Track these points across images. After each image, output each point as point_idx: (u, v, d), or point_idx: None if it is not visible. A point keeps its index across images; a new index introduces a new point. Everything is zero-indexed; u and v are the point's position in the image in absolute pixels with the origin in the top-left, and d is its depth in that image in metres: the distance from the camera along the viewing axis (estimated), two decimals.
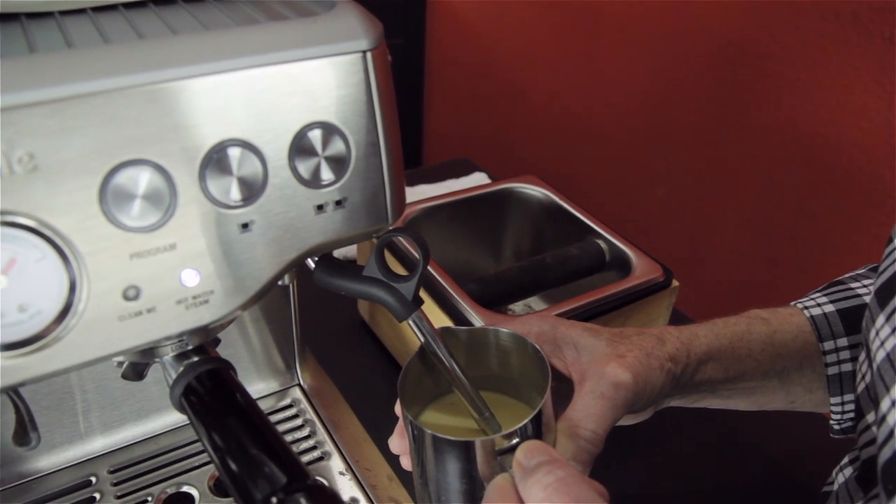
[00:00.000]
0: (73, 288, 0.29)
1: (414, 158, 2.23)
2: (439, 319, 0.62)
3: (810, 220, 1.18)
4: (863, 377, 0.41)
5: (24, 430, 0.39)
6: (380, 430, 0.44)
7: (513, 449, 0.36)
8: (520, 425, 0.36)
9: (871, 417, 0.40)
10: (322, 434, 0.63)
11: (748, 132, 1.24)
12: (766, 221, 1.26)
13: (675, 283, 0.68)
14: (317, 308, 0.74)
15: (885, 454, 0.33)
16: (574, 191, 1.61)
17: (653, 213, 1.49)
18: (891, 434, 0.33)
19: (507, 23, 1.76)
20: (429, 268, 0.66)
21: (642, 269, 0.68)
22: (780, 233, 1.24)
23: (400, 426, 0.42)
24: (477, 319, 0.60)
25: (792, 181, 1.19)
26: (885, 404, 0.35)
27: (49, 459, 0.58)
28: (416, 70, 2.12)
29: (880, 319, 0.38)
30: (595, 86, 1.54)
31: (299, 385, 0.68)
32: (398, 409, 0.41)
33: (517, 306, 0.79)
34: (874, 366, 0.37)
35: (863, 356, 0.41)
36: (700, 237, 1.40)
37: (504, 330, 0.42)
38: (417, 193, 0.99)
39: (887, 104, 1.04)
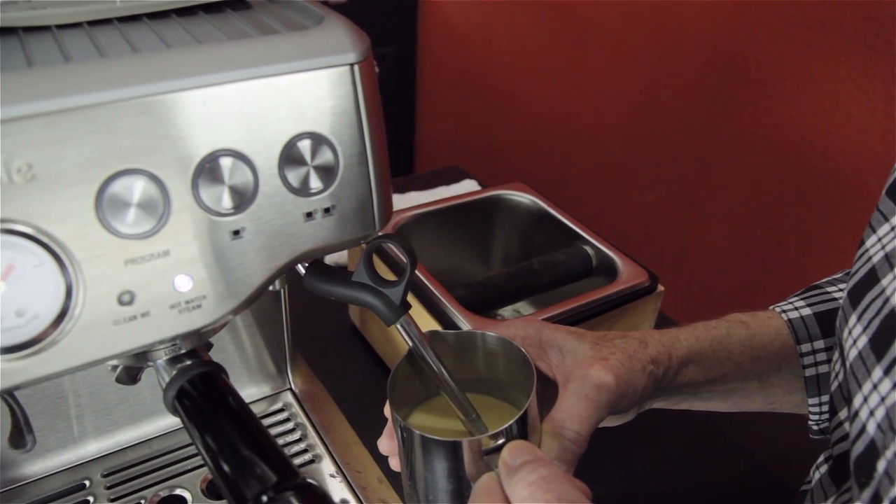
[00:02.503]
0: (69, 293, 0.30)
1: (406, 166, 2.24)
2: (428, 324, 0.63)
3: (796, 225, 1.20)
4: (836, 376, 0.42)
5: (20, 433, 0.40)
6: (370, 434, 0.45)
7: (499, 449, 0.37)
8: (505, 426, 0.37)
9: (843, 414, 0.41)
10: (313, 437, 0.64)
11: (735, 138, 1.26)
12: (754, 226, 1.28)
13: (661, 287, 0.70)
14: (309, 314, 0.75)
15: (857, 449, 0.35)
16: (564, 197, 1.63)
17: (642, 218, 1.50)
18: (863, 429, 0.34)
19: (498, 32, 1.77)
20: (419, 274, 0.67)
21: (628, 274, 0.69)
22: (767, 237, 1.26)
23: (389, 427, 0.43)
24: (465, 324, 0.61)
25: (778, 187, 1.21)
26: (857, 400, 0.36)
27: (43, 463, 0.59)
28: (409, 78, 2.13)
29: (852, 319, 0.39)
30: (585, 94, 1.56)
31: (291, 389, 0.69)
32: (387, 410, 0.42)
33: (506, 311, 0.80)
34: (847, 364, 0.38)
35: (836, 355, 0.42)
36: (688, 242, 1.41)
37: (490, 333, 0.43)
38: (408, 200, 1.00)
39: (870, 111, 1.06)
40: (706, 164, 1.33)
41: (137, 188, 0.31)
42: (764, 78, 1.18)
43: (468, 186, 1.09)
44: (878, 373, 0.35)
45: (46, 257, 0.30)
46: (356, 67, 0.35)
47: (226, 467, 0.35)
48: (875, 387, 0.35)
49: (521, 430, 0.38)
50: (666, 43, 1.33)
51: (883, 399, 0.34)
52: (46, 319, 0.30)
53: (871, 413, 0.34)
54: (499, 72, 1.80)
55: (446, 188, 1.07)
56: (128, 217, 0.31)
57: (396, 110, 2.16)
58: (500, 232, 0.84)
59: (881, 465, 0.32)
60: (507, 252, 0.85)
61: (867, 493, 0.33)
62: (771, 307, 0.53)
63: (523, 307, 0.81)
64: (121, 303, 0.32)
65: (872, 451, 0.33)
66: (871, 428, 0.34)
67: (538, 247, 0.80)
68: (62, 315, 0.30)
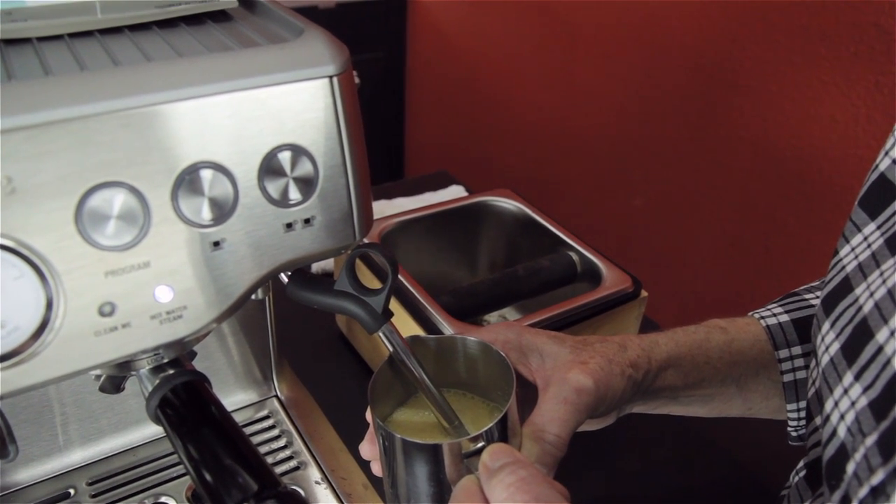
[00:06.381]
0: (49, 305, 0.31)
1: (395, 171, 2.24)
2: (413, 331, 0.64)
3: (782, 229, 1.21)
4: (813, 382, 0.43)
5: (3, 443, 0.40)
6: (356, 440, 0.46)
7: (479, 452, 0.37)
8: (485, 429, 0.38)
9: (818, 420, 0.42)
10: (299, 444, 0.64)
11: (721, 143, 1.27)
12: (740, 231, 1.29)
13: (644, 293, 0.70)
14: (295, 320, 0.75)
15: (828, 452, 0.35)
16: (552, 202, 1.63)
17: (629, 223, 1.51)
18: (834, 433, 0.35)
19: (487, 37, 1.78)
20: (404, 281, 0.67)
21: (612, 279, 0.70)
22: (754, 242, 1.27)
23: (370, 432, 0.44)
24: (450, 331, 0.62)
25: (764, 191, 1.22)
26: (828, 405, 0.36)
27: (27, 472, 0.59)
28: (397, 83, 2.14)
29: (826, 326, 0.40)
30: (573, 99, 1.56)
31: (277, 396, 0.69)
32: (369, 415, 0.42)
33: (492, 317, 0.81)
34: (820, 370, 0.39)
35: (813, 363, 0.43)
36: (675, 246, 1.42)
37: (471, 338, 0.44)
38: (395, 206, 1.00)
39: (854, 116, 1.07)
40: (693, 169, 1.34)
41: (117, 200, 0.31)
42: (750, 83, 1.19)
43: (455, 192, 1.10)
44: (848, 378, 0.35)
45: (27, 269, 0.30)
46: (335, 79, 0.35)
47: (208, 476, 0.36)
48: (846, 391, 0.35)
49: (502, 434, 0.39)
50: (653, 49, 1.34)
51: (853, 403, 0.34)
52: (27, 331, 0.30)
53: (842, 417, 0.35)
54: (487, 77, 1.81)
55: (433, 194, 1.07)
56: (108, 229, 0.31)
57: (385, 115, 2.17)
58: (486, 238, 0.84)
59: (850, 468, 0.33)
60: (493, 258, 0.85)
61: (837, 495, 0.34)
62: (749, 314, 0.54)
63: (509, 313, 0.82)
64: (101, 314, 0.32)
65: (842, 454, 0.34)
66: (842, 431, 0.34)
67: (523, 253, 0.80)
68: (43, 326, 0.31)
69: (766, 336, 0.52)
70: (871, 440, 0.32)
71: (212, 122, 0.32)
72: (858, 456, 0.32)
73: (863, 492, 0.31)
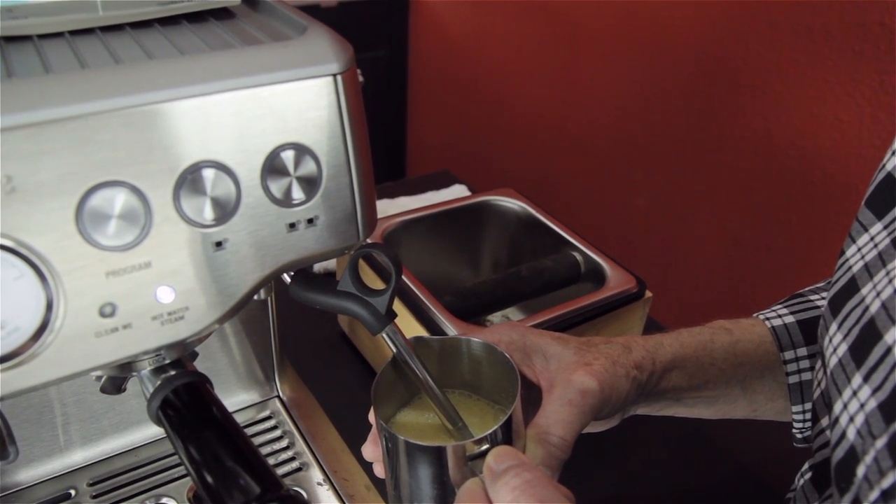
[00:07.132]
0: (50, 306, 0.30)
1: (397, 170, 2.24)
2: (416, 332, 0.63)
3: (785, 229, 1.21)
4: (819, 384, 0.43)
5: (3, 444, 0.40)
6: (358, 441, 0.45)
7: (483, 454, 0.37)
8: (490, 431, 0.38)
9: (825, 422, 0.41)
10: (301, 445, 0.64)
11: (725, 143, 1.26)
12: (743, 231, 1.28)
13: (649, 294, 0.70)
14: (297, 320, 0.75)
15: (837, 455, 0.35)
16: (555, 201, 1.63)
17: (633, 222, 1.51)
18: (843, 435, 0.35)
19: (489, 36, 1.78)
20: (407, 281, 0.67)
21: (616, 280, 0.69)
22: (757, 242, 1.26)
23: (373, 433, 0.43)
24: (453, 331, 0.61)
25: (768, 191, 1.22)
26: (837, 407, 0.36)
27: (28, 472, 0.59)
28: (400, 82, 2.14)
29: (833, 327, 0.39)
30: (576, 98, 1.56)
31: (279, 397, 0.69)
32: (372, 416, 0.42)
33: (495, 317, 0.81)
34: (828, 371, 0.39)
35: (819, 364, 0.43)
36: (679, 246, 1.42)
37: (475, 339, 0.44)
38: (398, 206, 1.00)
39: (858, 116, 1.07)
40: (696, 169, 1.33)
41: (118, 200, 0.31)
42: (753, 83, 1.19)
43: (458, 191, 1.09)
44: (857, 380, 0.35)
45: (27, 270, 0.29)
46: (339, 78, 0.35)
47: (209, 478, 0.35)
48: (855, 393, 0.35)
49: (506, 436, 0.38)
50: (656, 48, 1.33)
51: (862, 405, 0.34)
52: (27, 332, 0.30)
53: (851, 419, 0.34)
54: (490, 76, 1.81)
55: (436, 193, 1.07)
56: (109, 229, 0.31)
57: (387, 114, 2.17)
58: (489, 238, 0.84)
59: (861, 471, 0.32)
60: (496, 258, 0.85)
61: (847, 498, 0.33)
62: (754, 315, 0.54)
63: (512, 313, 0.81)
64: (102, 315, 0.31)
65: (852, 457, 0.33)
66: (851, 434, 0.34)
67: (527, 253, 0.80)
68: (43, 327, 0.30)
69: (771, 337, 0.51)
70: (881, 442, 0.31)
71: (214, 121, 0.32)
72: (868, 459, 0.32)
73: (873, 495, 0.31)
